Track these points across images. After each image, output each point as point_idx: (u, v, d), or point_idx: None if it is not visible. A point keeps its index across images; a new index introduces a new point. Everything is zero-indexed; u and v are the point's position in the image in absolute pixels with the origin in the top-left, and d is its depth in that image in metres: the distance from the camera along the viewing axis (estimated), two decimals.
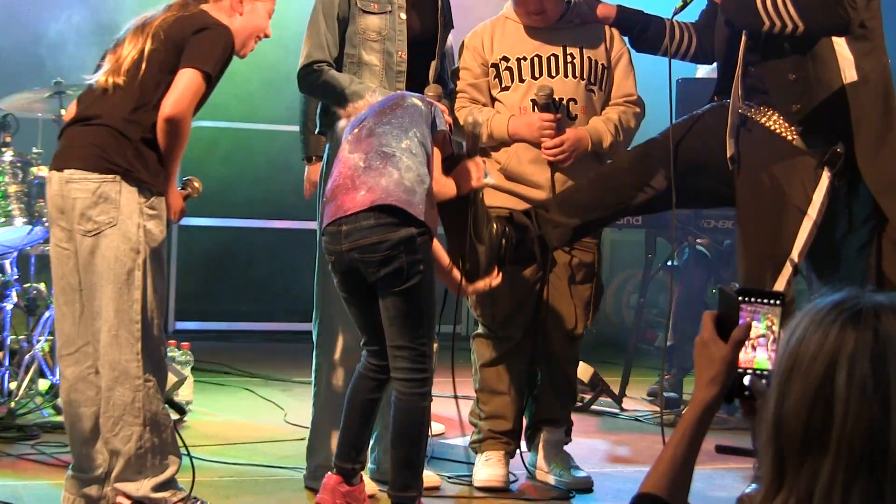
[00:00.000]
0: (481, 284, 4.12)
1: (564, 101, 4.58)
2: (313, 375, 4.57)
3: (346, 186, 3.79)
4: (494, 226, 4.10)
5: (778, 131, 3.99)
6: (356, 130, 3.94)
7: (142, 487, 3.79)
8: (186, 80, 3.77)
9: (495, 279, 4.14)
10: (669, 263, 7.19)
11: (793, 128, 3.96)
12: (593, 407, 6.46)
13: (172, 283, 8.69)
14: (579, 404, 6.34)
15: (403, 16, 4.50)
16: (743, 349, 1.96)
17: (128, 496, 3.79)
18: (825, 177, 3.94)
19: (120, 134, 3.79)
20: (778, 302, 1.98)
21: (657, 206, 4.32)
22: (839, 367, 1.60)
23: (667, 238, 7.08)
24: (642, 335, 8.67)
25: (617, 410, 6.45)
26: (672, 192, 4.14)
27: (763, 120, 4.01)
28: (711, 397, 1.97)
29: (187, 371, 5.86)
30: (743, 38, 4.03)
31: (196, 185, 4.12)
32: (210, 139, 8.60)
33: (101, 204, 3.75)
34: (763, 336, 1.98)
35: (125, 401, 3.75)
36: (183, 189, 4.06)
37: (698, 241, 6.86)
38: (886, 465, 1.57)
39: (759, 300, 1.98)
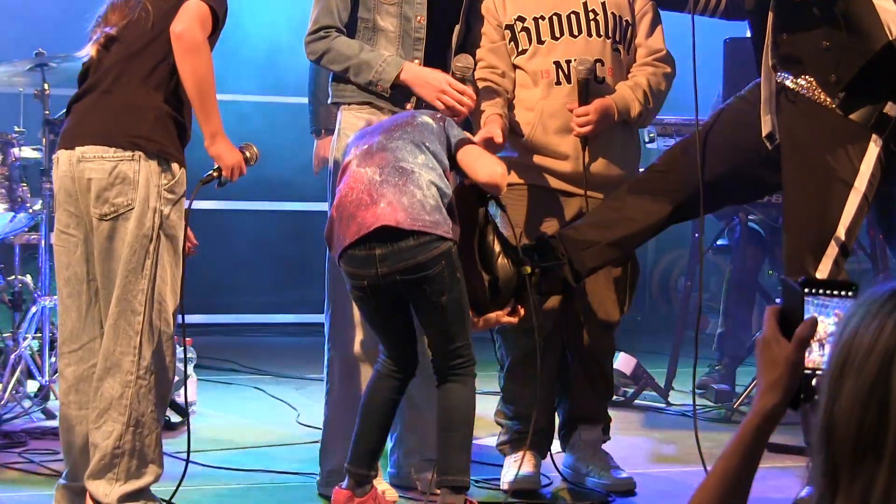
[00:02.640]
0: (492, 319, 4.21)
1: (591, 63, 4.55)
2: (325, 372, 4.60)
3: (362, 202, 3.93)
4: (509, 258, 4.16)
5: (818, 100, 4.02)
6: (364, 146, 4.06)
7: (111, 493, 3.83)
8: (192, 8, 3.81)
9: (510, 317, 4.23)
10: (719, 243, 7.22)
11: (834, 97, 3.98)
12: (636, 402, 6.49)
13: None
14: (622, 398, 6.41)
15: None
16: (810, 348, 1.90)
17: (96, 501, 3.84)
18: (873, 144, 3.97)
19: (137, 103, 3.85)
20: (850, 294, 1.93)
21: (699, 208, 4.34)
22: (895, 364, 1.57)
23: (715, 215, 7.10)
24: (692, 322, 8.65)
25: (663, 405, 6.48)
26: (701, 188, 4.17)
27: (802, 90, 4.04)
28: (774, 404, 1.89)
29: (190, 369, 5.90)
30: (771, 2, 4.05)
31: (255, 150, 4.13)
32: None
33: (119, 185, 3.81)
34: (832, 333, 1.91)
35: (112, 394, 3.82)
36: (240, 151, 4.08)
37: (750, 217, 6.85)
38: None
39: (827, 292, 1.93)
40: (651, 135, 6.62)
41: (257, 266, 9.21)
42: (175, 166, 3.88)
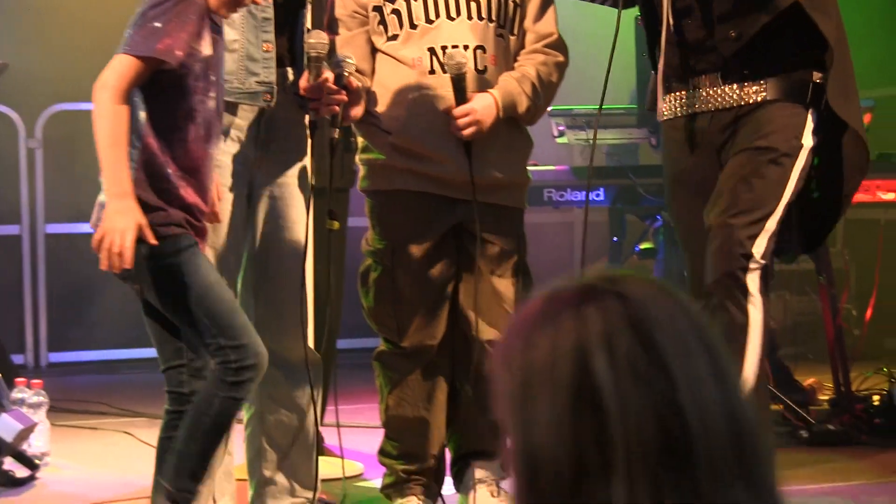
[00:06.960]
0: None
1: (471, 49, 4.28)
2: None
3: None
4: None
5: (746, 101, 4.10)
6: None
7: None
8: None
9: None
10: (643, 246, 7.07)
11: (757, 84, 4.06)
12: None
13: (42, 306, 8.47)
14: None
15: None
16: None
17: None
18: (810, 118, 4.05)
19: None
20: None
21: None
22: (592, 351, 1.37)
23: (637, 215, 6.95)
24: None
25: None
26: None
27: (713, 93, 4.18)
28: None
29: (40, 415, 5.60)
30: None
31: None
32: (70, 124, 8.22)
33: None
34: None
35: None
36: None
37: None
38: (691, 452, 1.35)
39: None
40: (559, 128, 6.47)
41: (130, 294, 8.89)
42: None
